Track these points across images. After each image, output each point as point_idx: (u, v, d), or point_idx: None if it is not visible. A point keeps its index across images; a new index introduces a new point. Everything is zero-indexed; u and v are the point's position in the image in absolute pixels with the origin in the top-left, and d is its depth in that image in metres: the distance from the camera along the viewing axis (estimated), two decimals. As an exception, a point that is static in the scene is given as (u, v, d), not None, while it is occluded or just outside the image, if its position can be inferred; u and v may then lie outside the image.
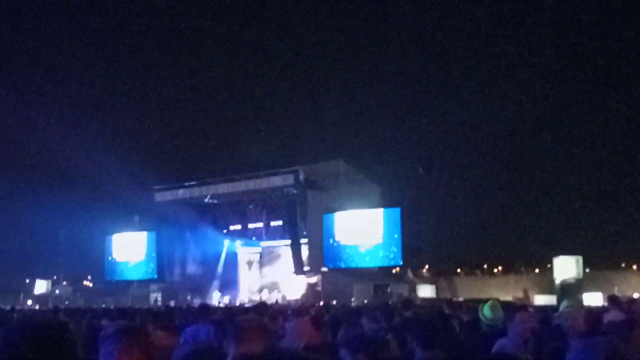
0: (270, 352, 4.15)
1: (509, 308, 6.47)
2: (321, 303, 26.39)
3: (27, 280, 54.31)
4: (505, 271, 45.29)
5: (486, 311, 6.59)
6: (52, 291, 50.63)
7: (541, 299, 32.16)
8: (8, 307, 19.47)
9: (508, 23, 68.05)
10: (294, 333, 4.82)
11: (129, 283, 45.11)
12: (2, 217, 53.86)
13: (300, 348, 4.52)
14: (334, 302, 28.40)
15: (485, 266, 47.27)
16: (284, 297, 36.28)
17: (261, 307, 10.06)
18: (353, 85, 72.84)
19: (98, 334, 4.88)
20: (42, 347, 1.98)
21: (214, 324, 8.19)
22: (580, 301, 23.79)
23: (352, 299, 32.56)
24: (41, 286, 51.13)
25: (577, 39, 64.10)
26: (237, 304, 34.00)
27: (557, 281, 35.45)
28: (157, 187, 42.28)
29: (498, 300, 8.24)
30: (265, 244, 44.17)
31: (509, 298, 31.92)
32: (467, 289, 39.25)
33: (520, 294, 35.69)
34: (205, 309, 9.32)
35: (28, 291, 51.79)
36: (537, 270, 43.19)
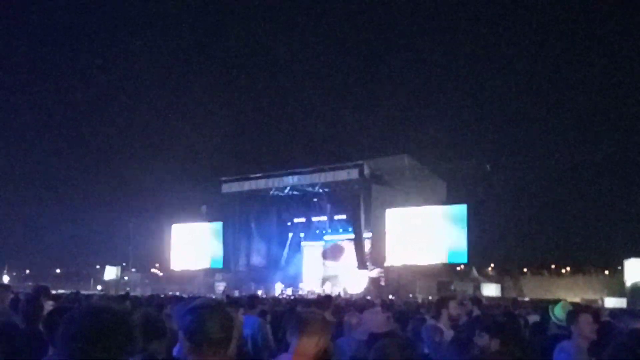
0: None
1: (572, 310, 6.34)
2: (391, 297, 26.41)
3: (98, 267, 56.10)
4: (574, 272, 44.14)
5: (558, 312, 6.44)
6: (121, 277, 52.06)
7: (611, 302, 31.27)
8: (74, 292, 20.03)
9: (586, 18, 66.21)
10: (366, 323, 4.89)
11: (195, 272, 46.07)
12: (75, 207, 55.86)
13: (365, 337, 4.58)
14: (390, 297, 28.34)
15: (552, 266, 46.18)
16: (345, 291, 36.36)
17: (326, 300, 10.11)
18: (419, 80, 72.30)
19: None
20: (102, 331, 2.08)
21: (262, 316, 8.36)
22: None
23: (410, 295, 32.40)
24: (111, 272, 52.68)
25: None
26: (299, 295, 34.28)
27: (628, 284, 34.42)
28: (224, 179, 42.91)
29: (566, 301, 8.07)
30: (328, 237, 44.33)
31: (577, 300, 31.14)
32: (533, 289, 38.46)
33: (588, 296, 34.74)
34: (255, 300, 9.43)
35: (98, 277, 53.48)
36: (606, 272, 41.97)
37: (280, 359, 3.57)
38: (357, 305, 11.73)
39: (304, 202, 43.45)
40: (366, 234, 38.74)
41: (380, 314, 5.09)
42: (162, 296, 18.08)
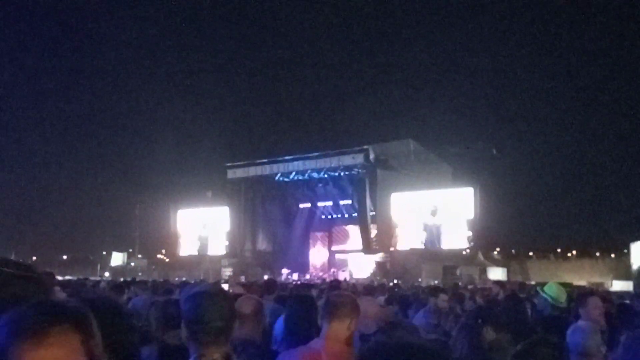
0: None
1: (581, 293, 6.24)
2: (395, 281, 26.42)
3: (104, 253, 56.28)
4: (580, 255, 44.08)
5: (552, 291, 6.35)
6: (128, 263, 52.20)
7: (617, 285, 31.24)
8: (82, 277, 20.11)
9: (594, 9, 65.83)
10: (364, 313, 4.81)
11: (201, 258, 46.16)
12: (81, 194, 56.04)
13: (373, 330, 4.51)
14: (395, 281, 28.34)
15: (558, 250, 46.12)
16: (351, 275, 36.39)
17: (335, 285, 10.07)
18: (425, 65, 72.04)
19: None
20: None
21: (278, 301, 8.27)
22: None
23: (420, 279, 32.40)
24: (117, 258, 52.86)
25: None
26: (305, 280, 34.30)
27: (635, 267, 34.34)
28: (229, 164, 42.90)
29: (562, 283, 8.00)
30: (334, 222, 44.37)
31: (583, 283, 31.15)
32: (539, 272, 38.45)
33: (595, 279, 34.73)
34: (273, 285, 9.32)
35: (104, 263, 53.68)
36: (613, 255, 41.89)
37: (312, 344, 3.53)
38: (366, 289, 11.73)
39: (310, 187, 43.44)
40: (372, 219, 38.72)
41: (373, 305, 4.95)
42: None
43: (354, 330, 3.45)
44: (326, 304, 3.56)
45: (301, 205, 45.05)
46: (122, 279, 19.46)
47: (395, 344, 1.28)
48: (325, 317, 3.48)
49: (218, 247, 45.40)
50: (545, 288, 6.41)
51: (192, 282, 17.86)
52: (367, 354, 1.29)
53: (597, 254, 43.28)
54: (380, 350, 1.27)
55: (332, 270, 39.76)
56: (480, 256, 37.81)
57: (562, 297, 6.20)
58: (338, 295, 3.72)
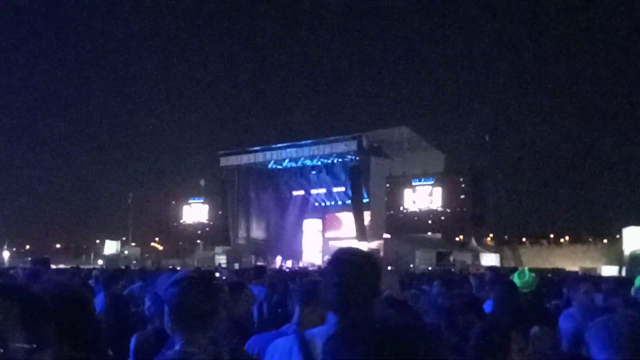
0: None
1: (573, 278, 6.28)
2: (389, 268, 26.46)
3: (98, 241, 56.27)
4: (573, 241, 44.30)
5: (515, 279, 6.44)
6: (121, 252, 52.19)
7: (609, 271, 31.37)
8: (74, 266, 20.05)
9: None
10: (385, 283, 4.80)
11: (195, 245, 46.20)
12: (73, 181, 55.93)
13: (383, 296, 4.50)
14: (389, 268, 28.41)
15: (551, 236, 46.33)
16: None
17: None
18: (418, 52, 71.96)
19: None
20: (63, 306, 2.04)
21: (268, 286, 8.35)
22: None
23: (411, 266, 32.47)
24: (110, 247, 52.81)
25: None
26: (299, 268, 34.38)
27: (627, 252, 34.50)
28: (222, 152, 42.82)
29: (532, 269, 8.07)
30: (327, 210, 44.40)
31: (575, 268, 31.29)
32: (532, 258, 38.63)
33: (587, 265, 34.86)
34: (261, 270, 9.42)
35: (98, 251, 53.68)
36: (605, 241, 42.11)
37: (284, 329, 3.52)
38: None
39: (303, 174, 43.44)
40: (365, 206, 38.77)
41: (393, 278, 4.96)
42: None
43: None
44: (298, 289, 3.57)
45: (294, 193, 45.05)
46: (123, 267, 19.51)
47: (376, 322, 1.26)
48: (297, 302, 3.49)
49: (211, 234, 45.45)
50: (515, 278, 6.49)
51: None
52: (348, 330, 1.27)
53: (590, 239, 43.50)
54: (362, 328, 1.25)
55: (326, 257, 39.74)
56: (474, 242, 37.97)
57: (522, 283, 6.26)
58: (310, 281, 3.72)
